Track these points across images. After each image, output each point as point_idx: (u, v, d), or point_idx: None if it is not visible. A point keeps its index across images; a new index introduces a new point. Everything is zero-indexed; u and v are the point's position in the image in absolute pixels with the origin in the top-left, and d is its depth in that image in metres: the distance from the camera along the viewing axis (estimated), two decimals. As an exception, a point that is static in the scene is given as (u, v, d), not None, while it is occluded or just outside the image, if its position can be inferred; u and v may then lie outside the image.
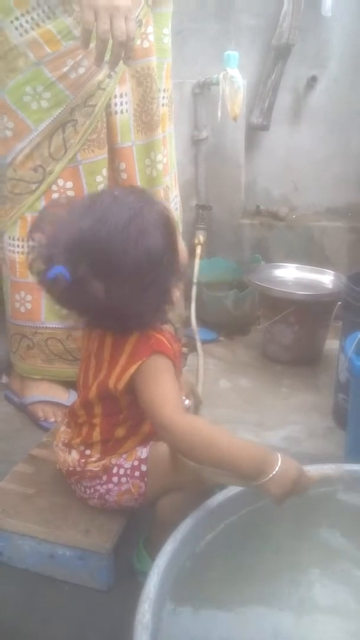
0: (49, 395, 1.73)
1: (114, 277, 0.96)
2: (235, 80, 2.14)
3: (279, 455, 0.94)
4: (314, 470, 0.97)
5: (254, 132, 2.56)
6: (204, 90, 2.40)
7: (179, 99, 2.39)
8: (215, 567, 0.92)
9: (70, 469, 1.18)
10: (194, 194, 2.59)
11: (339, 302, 1.68)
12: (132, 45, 1.32)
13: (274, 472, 0.92)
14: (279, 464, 0.93)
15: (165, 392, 1.01)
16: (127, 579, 1.14)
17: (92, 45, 1.32)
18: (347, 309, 1.61)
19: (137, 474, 1.13)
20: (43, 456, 1.37)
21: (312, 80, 2.48)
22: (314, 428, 1.75)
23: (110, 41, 1.29)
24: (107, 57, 1.33)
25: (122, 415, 1.13)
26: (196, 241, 2.49)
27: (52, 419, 1.69)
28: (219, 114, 2.20)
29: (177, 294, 1.08)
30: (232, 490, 0.99)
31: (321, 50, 2.47)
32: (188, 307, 2.35)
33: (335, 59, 2.48)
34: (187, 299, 2.37)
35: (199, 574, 0.90)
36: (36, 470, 1.33)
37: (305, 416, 1.82)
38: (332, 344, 2.10)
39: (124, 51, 1.30)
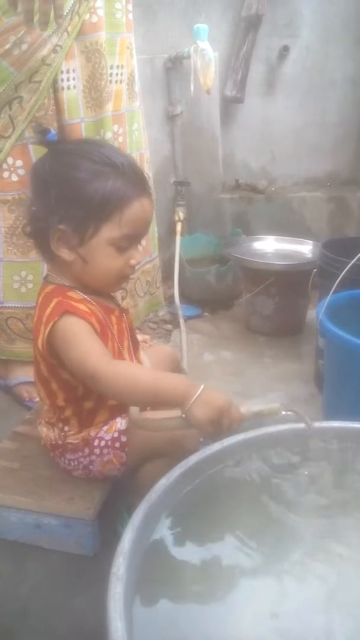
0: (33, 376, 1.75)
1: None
2: (206, 53, 2.13)
3: (204, 384, 0.96)
4: (245, 408, 0.97)
5: (229, 104, 2.57)
6: (176, 65, 2.39)
7: (151, 74, 2.38)
8: (191, 522, 0.94)
9: (53, 442, 1.22)
10: (172, 170, 2.59)
11: (315, 270, 1.70)
12: (61, 4, 1.28)
13: (197, 394, 0.93)
14: (202, 387, 0.94)
15: (84, 346, 1.03)
16: (113, 544, 1.17)
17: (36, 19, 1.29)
18: (322, 275, 1.63)
19: (117, 444, 1.16)
20: (26, 432, 1.40)
21: (284, 50, 2.48)
22: (296, 394, 1.78)
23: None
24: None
25: (81, 389, 1.14)
26: (176, 218, 2.51)
27: (37, 399, 1.70)
28: (192, 87, 2.20)
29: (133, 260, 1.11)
30: (207, 451, 1.02)
31: (292, 19, 2.47)
32: (171, 285, 2.37)
33: (307, 28, 2.48)
34: (170, 276, 2.39)
35: (177, 530, 0.92)
36: (20, 446, 1.36)
37: (288, 384, 1.85)
38: (313, 314, 2.12)
39: (52, 9, 1.26)
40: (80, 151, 1.06)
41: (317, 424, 1.04)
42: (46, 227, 1.07)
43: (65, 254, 1.08)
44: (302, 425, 1.07)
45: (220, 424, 0.94)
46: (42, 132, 1.08)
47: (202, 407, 0.93)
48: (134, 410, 1.10)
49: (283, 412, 1.00)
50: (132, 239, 1.09)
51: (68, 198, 1.04)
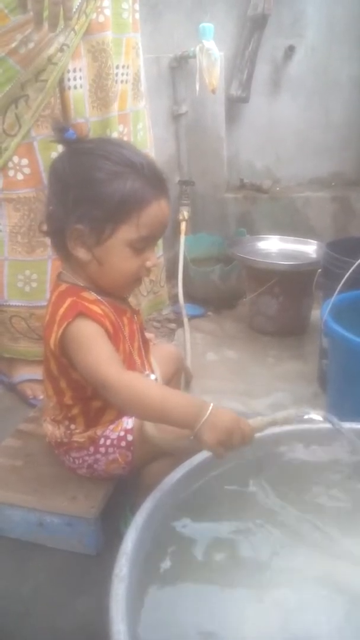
0: (37, 374, 1.75)
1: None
2: (211, 52, 2.13)
3: (212, 404, 0.94)
4: (256, 420, 0.96)
5: (234, 104, 2.56)
6: (181, 64, 2.39)
7: (157, 74, 2.38)
8: (195, 522, 0.94)
9: (58, 440, 1.21)
10: (177, 169, 2.59)
11: (319, 270, 1.69)
12: (70, 5, 1.27)
13: (205, 418, 0.91)
14: (209, 410, 0.93)
15: (97, 352, 1.02)
16: (116, 543, 1.17)
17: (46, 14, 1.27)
18: (326, 275, 1.63)
19: (123, 444, 1.16)
20: (30, 430, 1.40)
21: (290, 50, 2.47)
22: (299, 394, 1.78)
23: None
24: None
25: (90, 389, 1.14)
26: (180, 217, 2.50)
27: (41, 396, 1.70)
28: (197, 87, 2.20)
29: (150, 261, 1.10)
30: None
31: (297, 19, 2.46)
32: (175, 284, 2.37)
33: (312, 28, 2.47)
34: (174, 275, 2.39)
35: (180, 530, 0.92)
36: (24, 443, 1.36)
37: (291, 383, 1.84)
38: (317, 314, 2.12)
39: (61, 10, 1.25)
40: (100, 151, 1.05)
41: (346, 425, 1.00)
42: (63, 226, 1.06)
43: (82, 253, 1.07)
44: (309, 426, 1.07)
45: (231, 443, 0.92)
46: (60, 130, 1.07)
47: (210, 431, 0.91)
48: (150, 425, 1.10)
49: (300, 416, 0.97)
50: (149, 241, 1.08)
51: (86, 198, 1.03)
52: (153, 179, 1.05)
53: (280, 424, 0.97)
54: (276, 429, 1.08)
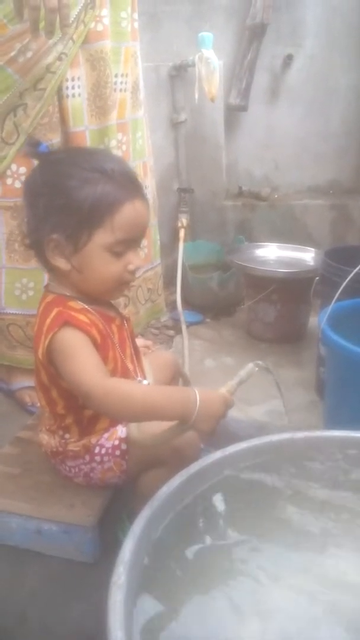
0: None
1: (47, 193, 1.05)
2: (210, 61, 2.14)
3: (197, 391, 0.98)
4: (228, 386, 1.05)
5: (233, 112, 2.58)
6: (180, 73, 2.41)
7: (156, 82, 2.40)
8: (193, 531, 0.94)
9: (54, 450, 1.22)
10: (176, 177, 2.60)
11: (317, 278, 1.70)
12: (67, 13, 1.27)
13: (197, 410, 0.96)
14: (198, 399, 0.97)
15: (81, 362, 1.02)
16: (113, 551, 1.17)
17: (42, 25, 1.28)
18: (324, 283, 1.64)
19: (117, 452, 1.16)
20: (28, 438, 1.40)
21: (288, 59, 2.49)
22: (297, 402, 1.78)
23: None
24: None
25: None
26: (179, 224, 2.51)
27: (39, 404, 1.71)
28: (197, 95, 2.21)
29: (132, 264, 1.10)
30: (208, 459, 1.02)
31: (296, 28, 2.48)
32: (173, 291, 2.38)
33: (311, 37, 2.49)
34: (173, 282, 2.40)
35: (178, 539, 0.92)
36: (22, 451, 1.36)
37: (289, 391, 1.85)
38: (315, 321, 2.12)
39: (57, 18, 1.25)
40: (70, 160, 1.07)
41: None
42: (40, 237, 1.07)
43: (62, 263, 1.08)
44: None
45: (219, 423, 0.99)
46: (33, 145, 1.09)
47: (207, 422, 0.97)
48: (133, 428, 1.11)
49: (256, 369, 1.08)
50: (127, 244, 1.08)
51: (59, 206, 1.03)
52: (125, 182, 1.06)
53: (246, 380, 1.06)
54: (274, 437, 1.09)
